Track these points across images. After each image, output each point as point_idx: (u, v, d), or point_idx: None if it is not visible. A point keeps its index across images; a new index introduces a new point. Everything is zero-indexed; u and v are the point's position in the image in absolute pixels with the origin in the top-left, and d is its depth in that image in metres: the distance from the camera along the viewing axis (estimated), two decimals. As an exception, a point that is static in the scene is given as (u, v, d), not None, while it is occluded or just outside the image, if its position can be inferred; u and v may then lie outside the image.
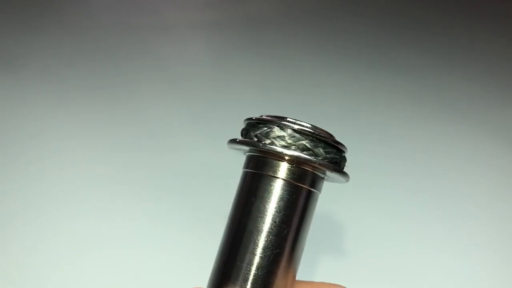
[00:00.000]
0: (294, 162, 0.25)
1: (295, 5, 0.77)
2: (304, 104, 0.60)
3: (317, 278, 0.44)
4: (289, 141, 0.25)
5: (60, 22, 0.66)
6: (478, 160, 0.56)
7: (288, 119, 0.26)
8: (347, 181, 0.27)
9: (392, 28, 0.74)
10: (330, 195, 0.51)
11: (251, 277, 0.24)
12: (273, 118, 0.26)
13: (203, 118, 0.57)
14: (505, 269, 0.47)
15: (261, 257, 0.25)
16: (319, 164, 0.25)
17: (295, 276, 0.26)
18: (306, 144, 0.25)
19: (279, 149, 0.25)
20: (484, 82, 0.66)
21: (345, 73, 0.66)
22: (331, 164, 0.25)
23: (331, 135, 0.26)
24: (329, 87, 0.64)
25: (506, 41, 0.73)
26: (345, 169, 0.27)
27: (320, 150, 0.25)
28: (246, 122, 0.28)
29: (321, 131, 0.26)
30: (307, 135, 0.25)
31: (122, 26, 0.67)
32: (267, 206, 0.25)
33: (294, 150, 0.25)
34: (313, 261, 0.46)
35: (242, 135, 0.28)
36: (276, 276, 0.25)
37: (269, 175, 0.25)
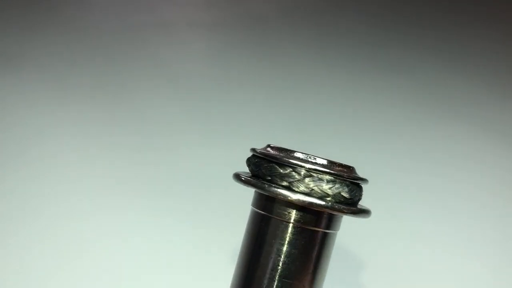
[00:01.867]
0: (304, 205, 0.22)
1: (297, 4, 0.77)
2: (305, 103, 0.60)
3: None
4: (298, 181, 0.22)
5: (59, 21, 0.66)
6: (481, 160, 0.56)
7: (297, 155, 0.22)
8: (368, 217, 0.25)
9: (393, 27, 0.74)
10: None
11: None
12: (280, 154, 0.22)
13: (204, 118, 0.57)
14: (506, 269, 0.47)
15: None
16: (335, 209, 0.22)
17: None
18: (320, 186, 0.22)
19: (287, 193, 0.22)
20: (486, 81, 0.65)
21: (345, 72, 0.66)
22: (349, 207, 0.22)
23: (350, 170, 0.23)
24: (330, 87, 0.63)
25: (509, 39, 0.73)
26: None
27: (337, 191, 0.22)
28: (252, 153, 0.24)
29: (337, 168, 0.22)
30: (321, 173, 0.22)
31: (122, 25, 0.67)
32: (279, 253, 0.22)
33: (305, 194, 0.22)
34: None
35: (247, 166, 0.25)
36: None
37: (277, 218, 0.23)
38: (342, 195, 0.22)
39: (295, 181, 0.22)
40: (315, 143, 0.54)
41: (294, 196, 0.22)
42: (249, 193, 0.27)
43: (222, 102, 0.59)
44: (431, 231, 0.49)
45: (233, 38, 0.69)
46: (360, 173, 0.25)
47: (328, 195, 0.22)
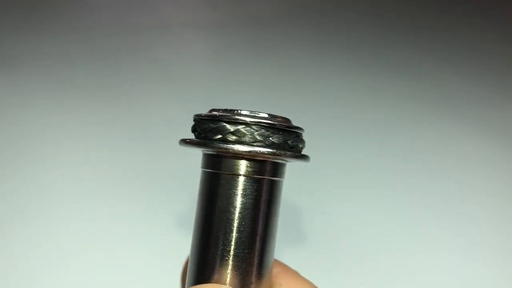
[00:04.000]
0: (250, 156, 0.24)
1: (296, 4, 0.77)
2: (305, 103, 0.60)
3: (315, 275, 0.44)
4: (242, 135, 0.24)
5: (59, 21, 0.66)
6: (480, 160, 0.56)
7: (238, 111, 0.24)
8: (308, 161, 0.26)
9: (391, 26, 0.74)
10: (329, 194, 0.51)
11: (228, 280, 0.24)
12: (222, 113, 0.24)
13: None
14: (506, 269, 0.47)
15: (234, 257, 0.24)
16: (275, 154, 0.24)
17: (271, 270, 0.26)
18: (260, 135, 0.24)
19: (230, 146, 0.23)
20: (485, 81, 0.65)
21: (344, 72, 0.66)
22: (288, 152, 0.24)
23: (286, 120, 0.25)
24: (329, 87, 0.64)
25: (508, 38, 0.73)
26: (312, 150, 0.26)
27: (276, 139, 0.24)
28: (195, 118, 0.26)
29: (274, 119, 0.24)
30: (260, 125, 0.24)
31: (121, 25, 0.67)
32: (231, 205, 0.24)
33: (247, 144, 0.23)
34: (311, 260, 0.46)
35: (192, 132, 0.26)
36: (252, 274, 0.24)
37: (227, 173, 0.24)
38: (287, 143, 0.25)
39: (241, 135, 0.24)
40: (315, 142, 0.54)
41: (242, 148, 0.23)
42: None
43: (223, 102, 0.59)
44: (431, 232, 0.49)
45: (234, 39, 0.69)
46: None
47: (273, 144, 0.24)
